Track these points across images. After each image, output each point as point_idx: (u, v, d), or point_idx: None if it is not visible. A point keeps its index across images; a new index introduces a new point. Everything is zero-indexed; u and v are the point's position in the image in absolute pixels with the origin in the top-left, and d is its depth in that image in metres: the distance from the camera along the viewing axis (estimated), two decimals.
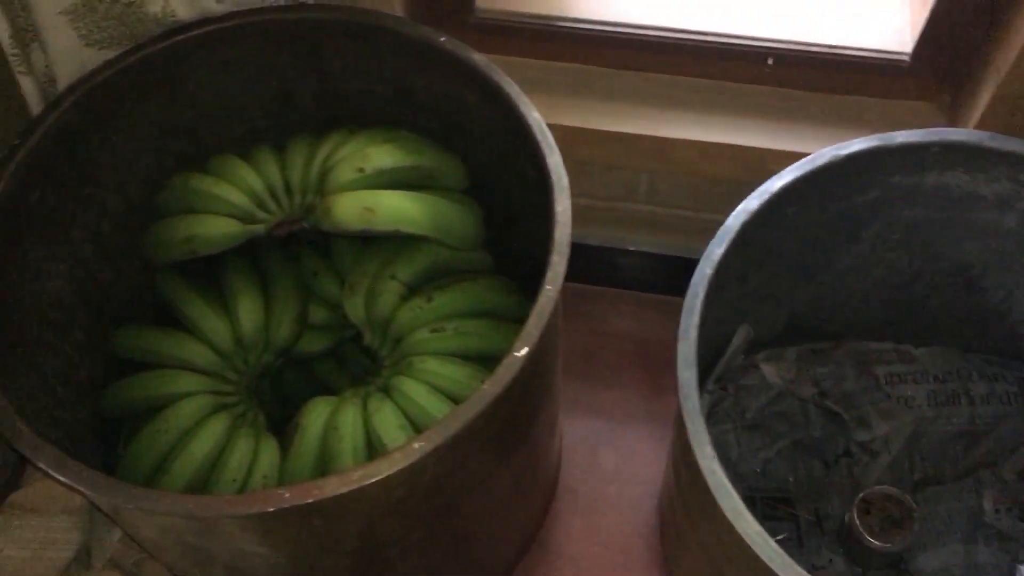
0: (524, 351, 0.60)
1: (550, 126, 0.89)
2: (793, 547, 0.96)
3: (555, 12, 0.89)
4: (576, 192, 1.02)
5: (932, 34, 0.81)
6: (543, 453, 0.87)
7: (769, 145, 0.85)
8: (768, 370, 1.00)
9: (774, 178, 0.73)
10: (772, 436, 0.99)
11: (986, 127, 0.79)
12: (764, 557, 0.59)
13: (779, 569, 0.58)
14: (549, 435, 0.89)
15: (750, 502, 0.97)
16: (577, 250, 1.09)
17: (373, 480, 0.57)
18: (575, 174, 1.00)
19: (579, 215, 1.05)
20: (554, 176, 0.67)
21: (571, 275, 1.13)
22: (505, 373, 0.59)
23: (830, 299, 0.94)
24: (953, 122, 0.85)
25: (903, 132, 0.73)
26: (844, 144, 0.74)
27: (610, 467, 1.05)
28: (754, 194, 0.72)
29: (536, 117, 0.70)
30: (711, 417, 0.98)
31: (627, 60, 0.90)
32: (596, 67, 0.91)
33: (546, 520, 1.00)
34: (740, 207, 0.72)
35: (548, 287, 0.62)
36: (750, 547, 0.60)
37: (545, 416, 0.81)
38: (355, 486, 0.57)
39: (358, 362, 0.89)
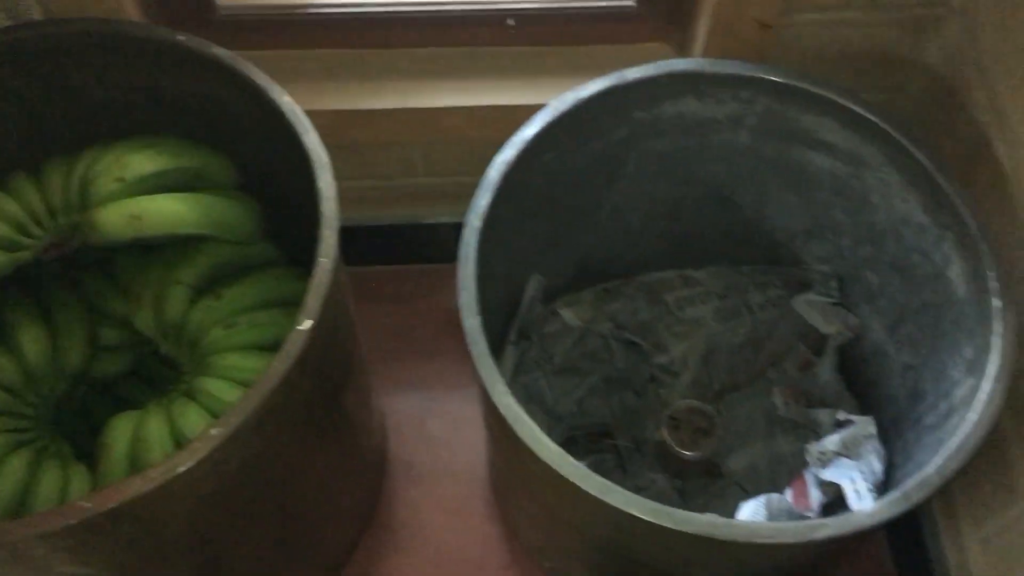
0: (307, 324, 0.62)
1: (315, 112, 0.91)
2: (617, 474, 1.02)
3: (298, 1, 0.90)
4: (356, 175, 1.05)
5: None
6: (362, 430, 0.89)
7: (524, 101, 0.90)
8: (567, 314, 1.05)
9: (525, 126, 0.77)
10: (581, 376, 1.05)
11: (709, 55, 0.86)
12: (565, 473, 0.63)
13: (579, 481, 0.63)
14: (365, 412, 0.91)
15: (572, 440, 1.03)
16: (373, 232, 1.13)
17: (176, 473, 0.58)
18: (351, 158, 1.03)
19: (365, 197, 1.08)
20: (313, 155, 0.68)
21: (375, 258, 1.16)
22: (291, 348, 0.61)
23: (610, 238, 1.00)
24: (684, 56, 0.92)
25: (634, 68, 0.79)
26: (584, 86, 0.79)
27: (440, 436, 1.08)
28: (509, 144, 0.77)
29: (287, 101, 0.71)
30: (521, 367, 1.02)
31: (379, 39, 0.92)
32: (351, 49, 0.93)
33: (382, 496, 1.02)
34: (498, 158, 0.76)
35: (322, 259, 0.64)
36: (554, 468, 0.63)
37: (354, 393, 0.83)
38: (158, 482, 0.57)
39: (163, 375, 0.88)
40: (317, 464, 0.78)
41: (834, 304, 0.96)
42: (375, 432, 0.96)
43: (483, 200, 0.74)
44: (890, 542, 1.01)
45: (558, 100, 0.79)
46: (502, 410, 0.66)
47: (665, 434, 0.98)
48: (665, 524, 0.61)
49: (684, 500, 1.00)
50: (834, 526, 0.62)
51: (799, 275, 1.00)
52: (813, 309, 0.98)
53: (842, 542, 0.62)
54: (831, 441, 0.88)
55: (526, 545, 1.00)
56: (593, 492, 0.62)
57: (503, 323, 0.97)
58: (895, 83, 0.92)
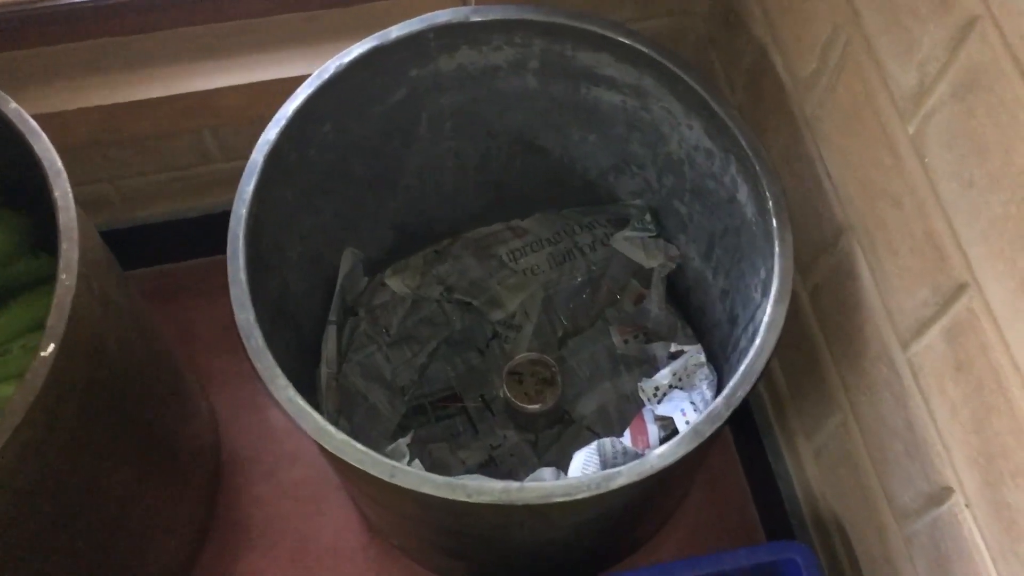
0: (51, 349, 0.58)
1: (84, 110, 0.85)
2: (469, 435, 1.00)
3: None
4: (153, 168, 1.00)
5: None
6: (182, 434, 0.85)
7: (303, 71, 0.86)
8: (394, 283, 1.02)
9: (287, 102, 0.73)
10: (420, 343, 1.02)
11: (484, 2, 0.83)
12: (354, 461, 0.61)
13: (368, 467, 0.60)
14: (185, 414, 0.87)
15: (420, 409, 1.01)
16: (190, 225, 1.08)
17: None
18: (143, 152, 0.97)
19: (170, 190, 1.02)
20: (45, 162, 0.63)
21: (199, 251, 1.11)
22: (35, 378, 0.57)
23: (424, 201, 0.97)
24: (469, 3, 0.88)
25: (396, 26, 0.75)
26: (345, 52, 0.75)
27: (283, 425, 1.05)
28: (271, 123, 0.72)
29: (13, 108, 0.66)
30: (354, 344, 0.99)
31: (141, 22, 0.87)
32: (113, 38, 0.87)
33: (223, 496, 0.98)
34: (260, 139, 0.72)
35: (62, 276, 0.60)
36: (341, 458, 0.61)
37: (166, 397, 0.79)
38: None
39: None
40: (125, 477, 0.74)
41: (653, 237, 0.95)
42: (203, 433, 0.92)
43: (248, 186, 0.70)
44: (742, 463, 1.02)
45: (320, 69, 0.74)
46: (284, 404, 0.63)
47: (506, 391, 0.97)
48: (460, 498, 0.60)
49: (537, 452, 0.99)
50: (628, 473, 0.61)
51: (618, 211, 0.98)
52: (633, 244, 0.97)
53: (640, 487, 0.61)
54: (663, 375, 0.88)
55: (371, 525, 0.98)
56: (383, 477, 0.60)
57: (324, 304, 0.93)
58: (680, 7, 0.90)
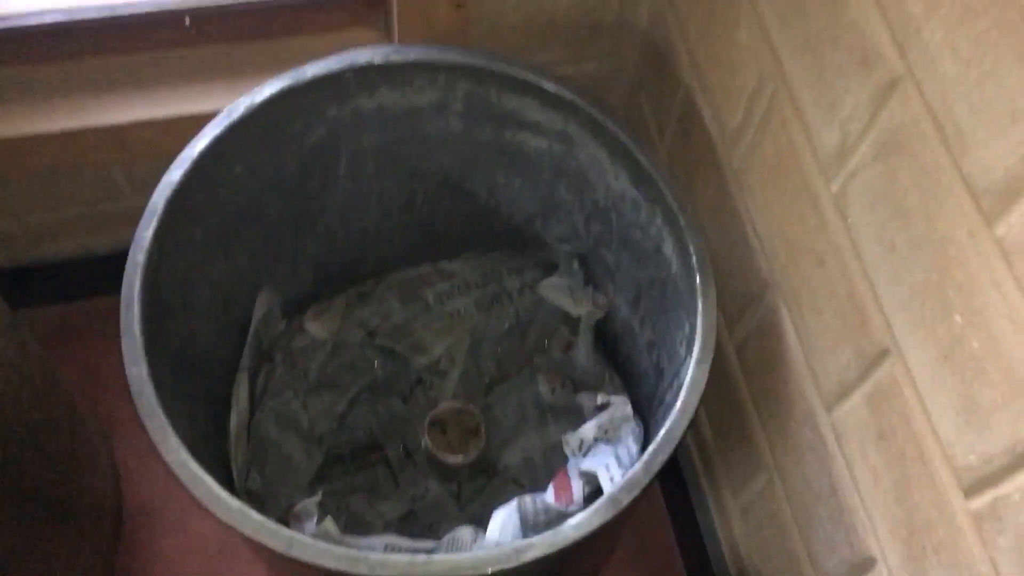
0: None
1: None
2: (390, 486, 0.96)
3: None
4: (57, 204, 0.95)
5: None
6: (77, 489, 0.80)
7: (219, 105, 0.82)
8: (313, 327, 0.98)
9: (193, 142, 0.69)
10: (341, 390, 0.98)
11: (407, 40, 0.80)
12: (249, 532, 0.57)
13: (265, 539, 0.56)
14: (79, 467, 0.82)
15: (339, 458, 0.96)
16: (94, 263, 1.02)
17: None
18: (47, 187, 0.92)
19: (74, 227, 0.97)
20: None
21: (105, 289, 1.05)
22: None
23: (347, 241, 0.93)
24: (391, 40, 0.86)
25: (312, 64, 0.72)
26: (257, 90, 0.71)
27: None
28: (174, 164, 0.69)
29: None
30: (269, 391, 0.95)
31: (47, 52, 0.82)
32: (15, 67, 0.83)
33: (122, 551, 0.93)
34: (163, 180, 0.68)
35: None
36: (237, 528, 0.57)
37: (56, 455, 0.74)
38: None
39: None
40: (11, 536, 0.69)
41: (580, 285, 0.93)
42: (102, 487, 0.87)
43: (147, 232, 0.66)
44: (671, 516, 1.00)
45: (231, 107, 0.71)
46: (175, 468, 0.58)
47: (428, 441, 0.93)
48: (362, 572, 0.56)
49: (460, 505, 0.95)
50: (541, 545, 0.58)
51: (546, 256, 0.96)
52: (559, 292, 0.94)
53: (555, 560, 0.58)
54: (588, 428, 0.85)
55: None
56: (280, 549, 0.56)
57: (238, 349, 0.89)
58: (611, 50, 0.88)
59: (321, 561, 0.56)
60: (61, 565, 0.79)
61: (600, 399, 0.89)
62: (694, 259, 0.66)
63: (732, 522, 0.86)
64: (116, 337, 1.04)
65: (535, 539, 0.58)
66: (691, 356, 0.64)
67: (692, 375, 0.62)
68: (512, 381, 1.01)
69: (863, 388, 0.58)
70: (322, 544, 0.57)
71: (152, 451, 0.98)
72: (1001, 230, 0.44)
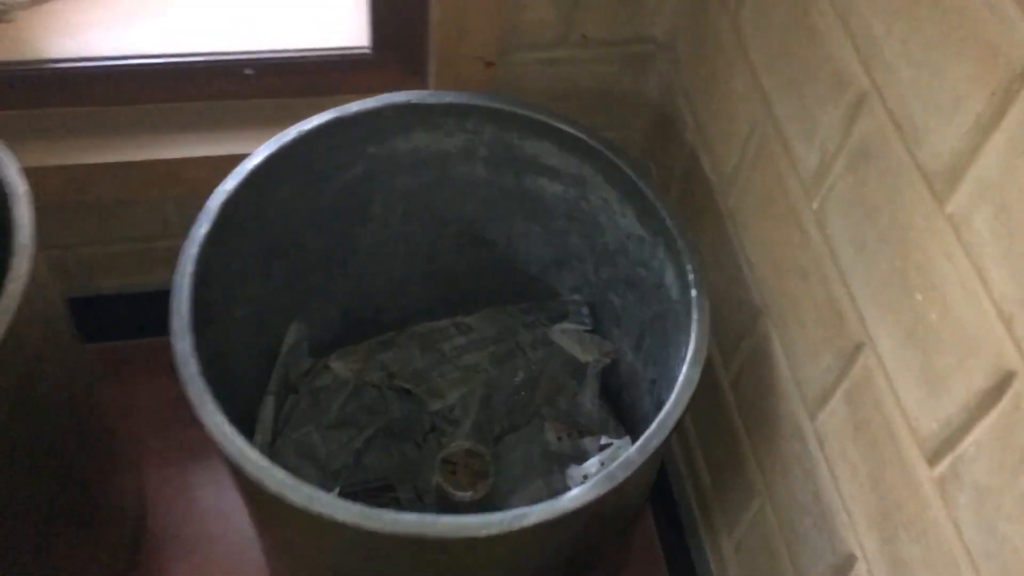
0: None
1: (50, 168, 0.89)
2: None
3: (29, 57, 0.89)
4: (111, 238, 1.03)
5: (381, 27, 0.91)
6: (105, 489, 0.84)
7: None
8: (338, 366, 1.04)
9: (248, 158, 0.78)
10: (359, 428, 1.03)
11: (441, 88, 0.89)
12: (271, 485, 0.61)
13: (289, 493, 0.61)
14: (109, 469, 0.87)
15: (352, 496, 1.00)
16: (144, 300, 1.10)
17: None
18: (104, 221, 1.01)
19: (125, 263, 1.05)
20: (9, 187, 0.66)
21: (148, 329, 1.13)
22: None
23: (374, 285, 1.00)
24: None
25: (357, 102, 0.82)
26: (307, 120, 0.81)
27: (210, 506, 1.04)
28: (229, 176, 0.77)
29: None
30: (292, 422, 1.00)
31: (117, 95, 0.92)
32: (89, 108, 0.92)
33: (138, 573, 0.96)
34: (217, 188, 0.76)
35: (12, 286, 0.62)
36: (260, 482, 0.62)
37: (93, 452, 0.79)
38: None
39: None
40: (36, 518, 0.74)
41: (588, 331, 0.99)
42: (128, 492, 0.91)
43: (201, 229, 0.73)
44: (667, 562, 1.02)
45: (283, 132, 0.80)
46: (211, 429, 0.64)
47: (440, 478, 0.98)
48: (374, 527, 0.60)
49: None
50: (540, 513, 0.62)
51: (557, 308, 1.02)
52: (570, 339, 1.00)
53: (553, 528, 0.62)
54: (591, 463, 0.90)
55: None
56: (302, 503, 0.61)
57: (265, 373, 0.95)
58: (623, 119, 0.98)
59: (340, 516, 0.60)
60: (81, 563, 0.83)
61: (603, 440, 0.94)
62: (691, 276, 0.72)
63: (727, 562, 0.89)
64: (151, 376, 1.11)
65: (535, 507, 0.62)
66: (685, 360, 0.70)
67: (686, 373, 0.68)
68: (521, 432, 1.05)
69: (843, 386, 0.64)
70: (339, 501, 0.61)
71: (175, 481, 1.03)
72: (950, 207, 0.51)
